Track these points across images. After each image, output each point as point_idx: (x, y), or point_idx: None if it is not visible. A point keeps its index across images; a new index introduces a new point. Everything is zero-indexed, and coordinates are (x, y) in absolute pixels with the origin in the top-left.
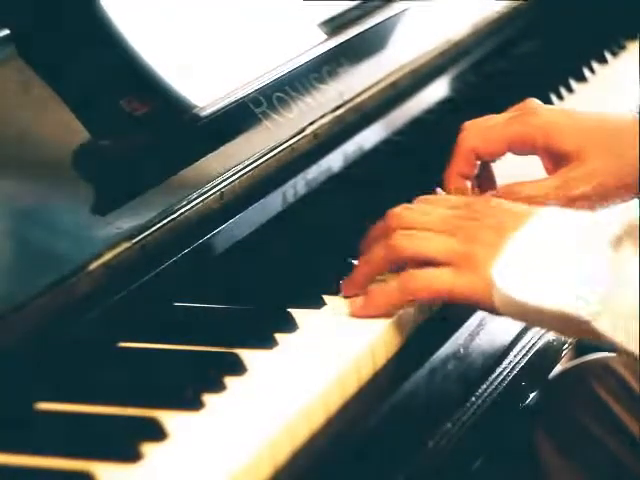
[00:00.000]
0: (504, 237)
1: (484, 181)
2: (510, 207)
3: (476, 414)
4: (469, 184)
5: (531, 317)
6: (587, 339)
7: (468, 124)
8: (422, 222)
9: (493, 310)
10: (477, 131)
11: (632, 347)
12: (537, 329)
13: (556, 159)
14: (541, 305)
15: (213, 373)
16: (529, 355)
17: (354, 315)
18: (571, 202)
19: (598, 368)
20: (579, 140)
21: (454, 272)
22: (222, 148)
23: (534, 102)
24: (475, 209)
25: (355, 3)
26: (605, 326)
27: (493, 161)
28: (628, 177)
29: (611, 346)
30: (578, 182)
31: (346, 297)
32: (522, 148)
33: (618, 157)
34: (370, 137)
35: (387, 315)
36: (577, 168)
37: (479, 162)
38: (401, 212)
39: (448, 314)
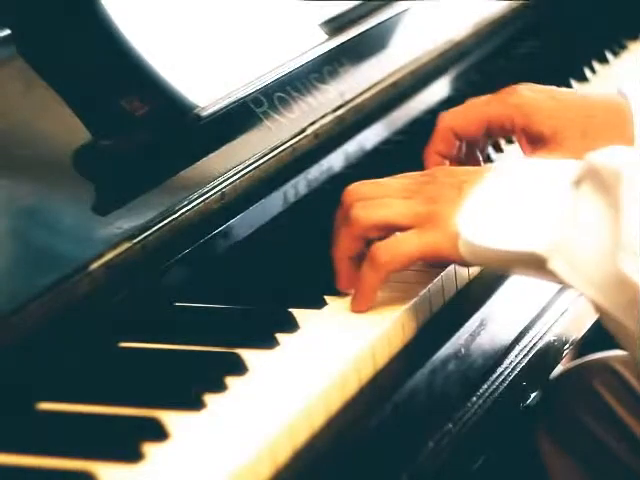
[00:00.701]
0: (465, 191)
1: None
2: (467, 168)
3: (477, 414)
4: (447, 163)
5: (497, 263)
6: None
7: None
8: (378, 191)
9: (462, 262)
10: (456, 110)
11: (586, 290)
12: (537, 329)
13: (533, 140)
14: (503, 248)
15: (214, 373)
16: (530, 355)
17: (355, 312)
18: None
19: (599, 368)
20: (556, 122)
21: (418, 233)
22: (223, 148)
23: (520, 84)
24: (433, 174)
25: (356, 3)
26: (560, 267)
27: (478, 144)
28: None
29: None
30: None
31: (343, 291)
32: (500, 128)
33: (592, 140)
34: (371, 137)
35: (387, 316)
36: (552, 152)
37: (460, 143)
38: (355, 187)
39: (449, 314)
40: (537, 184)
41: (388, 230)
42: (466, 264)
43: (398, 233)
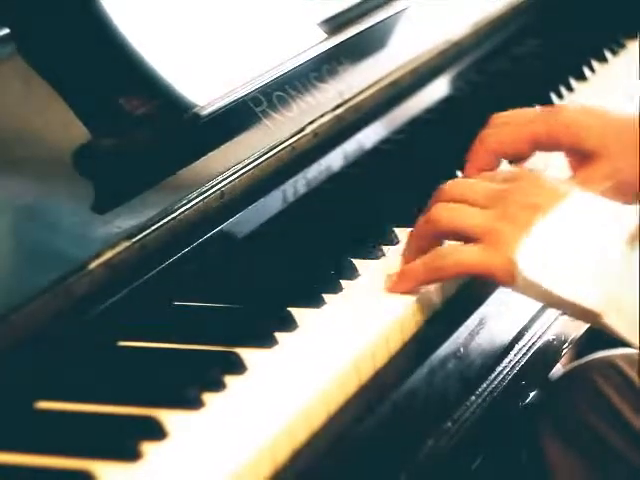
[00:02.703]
0: (535, 219)
1: None
2: (551, 185)
3: (476, 413)
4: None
5: (549, 301)
6: (601, 331)
7: (495, 119)
8: (464, 195)
9: (513, 289)
10: (499, 133)
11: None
12: (537, 328)
13: (580, 157)
14: (558, 293)
15: (213, 372)
16: (529, 354)
17: (387, 290)
18: None
19: (603, 366)
20: (603, 139)
21: (481, 250)
22: (222, 147)
23: (561, 104)
24: (521, 185)
25: (355, 2)
26: (613, 321)
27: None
28: None
29: (621, 342)
30: (599, 180)
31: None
32: (547, 147)
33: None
34: (370, 136)
35: (387, 315)
36: (599, 167)
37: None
38: (447, 185)
39: (448, 313)
40: (598, 231)
41: (459, 235)
42: (520, 293)
43: (463, 245)
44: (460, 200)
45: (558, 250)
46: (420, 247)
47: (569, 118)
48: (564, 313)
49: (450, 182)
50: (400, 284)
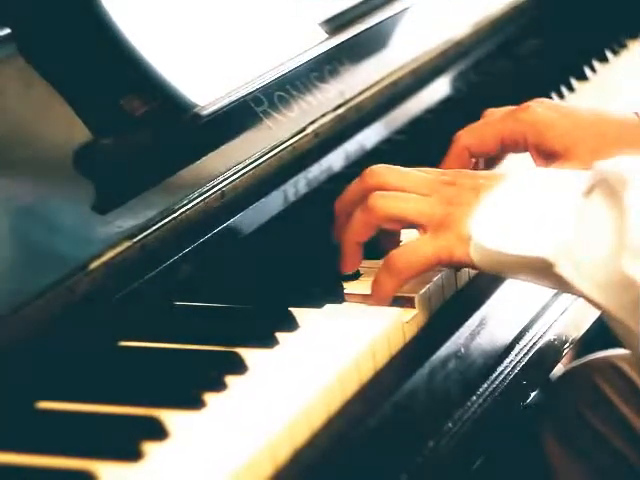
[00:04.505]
0: (481, 196)
1: None
2: (487, 173)
3: (477, 413)
4: None
5: (506, 267)
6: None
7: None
8: (400, 182)
9: (473, 266)
10: (470, 130)
11: (594, 295)
12: (537, 328)
13: (546, 157)
14: (512, 252)
15: (214, 372)
16: (530, 354)
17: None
18: None
19: (604, 366)
20: (568, 139)
21: (432, 237)
22: (223, 147)
23: (535, 100)
24: (454, 175)
25: (356, 2)
26: (568, 272)
27: (493, 161)
28: None
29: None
30: None
31: (346, 275)
32: (514, 145)
33: (606, 156)
34: (371, 136)
35: (387, 315)
36: (563, 167)
37: (474, 160)
38: (378, 170)
39: (449, 313)
40: (549, 192)
41: (402, 224)
42: (477, 268)
43: (412, 239)
44: (396, 188)
45: (511, 214)
46: (360, 239)
47: (535, 116)
48: (525, 279)
49: (379, 165)
50: (377, 301)
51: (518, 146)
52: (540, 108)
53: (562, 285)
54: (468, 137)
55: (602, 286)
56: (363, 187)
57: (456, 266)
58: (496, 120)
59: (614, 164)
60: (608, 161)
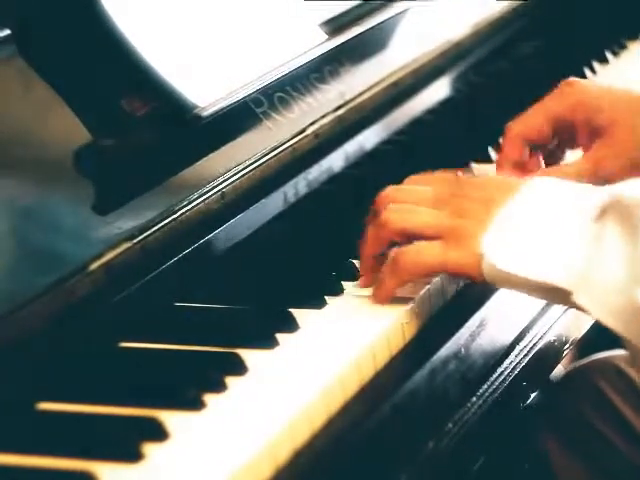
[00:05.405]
0: (492, 211)
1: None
2: (498, 181)
3: (477, 414)
4: None
5: (519, 288)
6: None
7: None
8: (410, 198)
9: (483, 282)
10: (519, 117)
11: (610, 322)
12: (537, 329)
13: (591, 133)
14: (527, 277)
15: (214, 373)
16: (530, 355)
17: (376, 304)
18: (600, 181)
19: (605, 367)
20: (613, 113)
21: (443, 246)
22: (223, 148)
23: (572, 79)
24: (463, 183)
25: (356, 3)
26: (583, 300)
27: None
28: None
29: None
30: (607, 161)
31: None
32: (563, 123)
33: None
34: (371, 137)
35: (387, 316)
36: (606, 146)
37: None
38: (389, 192)
39: (449, 314)
40: (561, 212)
41: (414, 237)
42: (488, 284)
43: (422, 241)
44: (403, 202)
45: (524, 235)
46: (374, 253)
47: (582, 88)
48: (538, 298)
49: (388, 188)
50: (377, 300)
51: (567, 124)
52: (583, 83)
53: (578, 309)
54: (518, 124)
55: (617, 314)
56: (376, 208)
57: (461, 278)
58: (543, 101)
59: (630, 188)
60: (623, 184)
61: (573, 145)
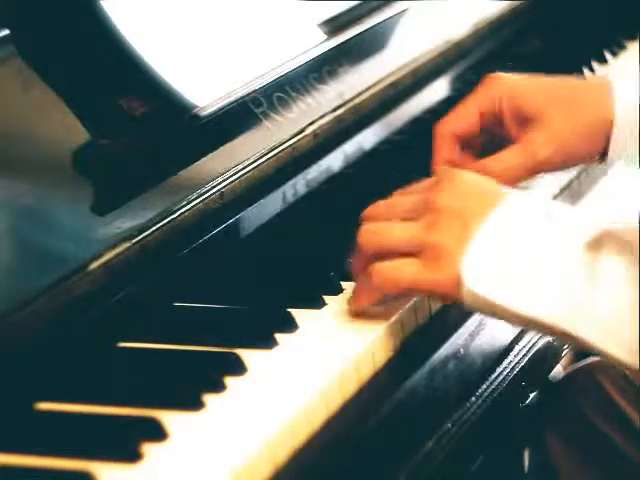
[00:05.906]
0: (470, 228)
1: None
2: (477, 189)
3: (476, 414)
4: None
5: (504, 317)
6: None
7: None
8: (384, 213)
9: (464, 305)
10: (448, 115)
11: (622, 355)
12: None
13: (520, 122)
14: (513, 308)
15: (213, 373)
16: (529, 355)
17: (356, 315)
18: (537, 168)
19: (607, 367)
20: (541, 101)
21: (419, 266)
22: (222, 148)
23: (495, 73)
24: (443, 188)
25: (355, 3)
26: (587, 333)
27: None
28: (587, 137)
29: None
30: (540, 147)
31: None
32: (491, 115)
33: (577, 116)
34: (370, 137)
35: (387, 315)
36: (538, 132)
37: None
38: (367, 211)
39: (448, 314)
40: (545, 236)
41: (389, 254)
42: (466, 307)
43: (400, 259)
44: (377, 219)
45: (505, 260)
46: (356, 272)
47: (506, 82)
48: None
49: (369, 207)
50: (355, 308)
51: (495, 116)
52: (507, 76)
53: (576, 344)
54: (445, 123)
55: (628, 346)
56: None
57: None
58: (468, 96)
59: (625, 221)
60: (616, 221)
61: (505, 137)
